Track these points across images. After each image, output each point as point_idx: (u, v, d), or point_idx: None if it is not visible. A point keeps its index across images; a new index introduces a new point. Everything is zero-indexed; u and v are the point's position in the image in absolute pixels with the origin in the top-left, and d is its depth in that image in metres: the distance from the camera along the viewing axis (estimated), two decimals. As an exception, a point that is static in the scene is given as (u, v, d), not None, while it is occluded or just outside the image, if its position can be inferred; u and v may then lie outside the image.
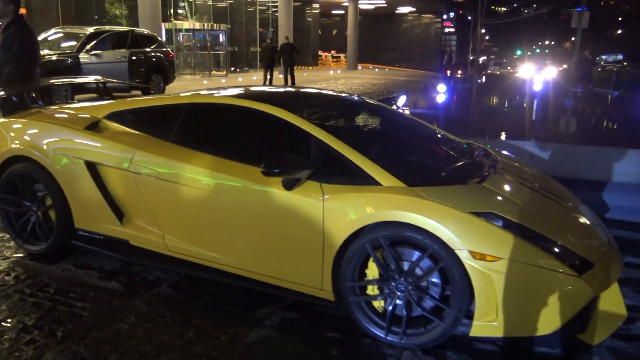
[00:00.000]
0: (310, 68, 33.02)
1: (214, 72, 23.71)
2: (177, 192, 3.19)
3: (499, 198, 2.82)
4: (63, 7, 19.35)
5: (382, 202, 2.64)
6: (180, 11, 25.61)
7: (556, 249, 2.54)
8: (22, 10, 5.03)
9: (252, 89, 4.12)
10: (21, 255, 3.77)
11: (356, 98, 4.08)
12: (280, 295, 3.12)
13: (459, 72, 30.31)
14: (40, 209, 3.68)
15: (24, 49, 4.95)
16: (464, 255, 2.45)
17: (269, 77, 17.00)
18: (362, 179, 2.77)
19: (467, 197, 2.72)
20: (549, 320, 2.45)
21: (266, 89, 4.16)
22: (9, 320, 2.92)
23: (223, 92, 3.75)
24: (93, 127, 3.62)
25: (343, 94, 4.03)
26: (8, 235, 3.94)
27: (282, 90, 4.14)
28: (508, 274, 2.43)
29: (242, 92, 3.82)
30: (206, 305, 3.12)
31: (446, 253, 2.49)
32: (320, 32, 39.53)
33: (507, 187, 3.04)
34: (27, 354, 2.61)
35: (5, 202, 3.77)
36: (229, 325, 2.90)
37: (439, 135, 3.83)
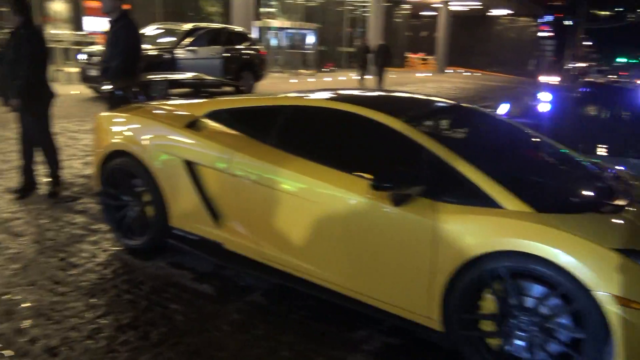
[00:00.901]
0: (398, 70, 32.51)
1: (302, 71, 23.87)
2: (274, 198, 3.05)
3: (644, 232, 2.43)
4: (161, 4, 20.22)
5: (506, 229, 2.35)
6: (271, 9, 26.03)
7: None
8: (127, 6, 5.15)
9: (358, 93, 3.93)
10: (119, 248, 3.80)
11: (469, 106, 3.78)
12: (379, 318, 2.90)
13: (554, 78, 28.55)
14: (138, 205, 3.69)
15: (129, 44, 5.06)
16: (604, 299, 2.12)
17: (360, 78, 16.83)
18: (481, 200, 2.49)
19: (607, 229, 2.37)
20: None
21: (374, 93, 3.95)
22: (106, 317, 2.91)
23: (326, 95, 3.59)
24: (193, 125, 3.58)
25: (455, 102, 3.74)
26: (107, 228, 4.01)
27: (391, 95, 3.92)
28: (660, 326, 2.07)
29: (348, 95, 3.63)
30: (300, 320, 2.96)
31: (582, 294, 2.17)
32: (408, 33, 38.86)
33: (650, 219, 2.64)
34: (122, 356, 2.57)
35: (106, 196, 3.83)
36: (324, 346, 2.72)
37: (564, 153, 3.44)
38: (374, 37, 21.68)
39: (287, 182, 3.00)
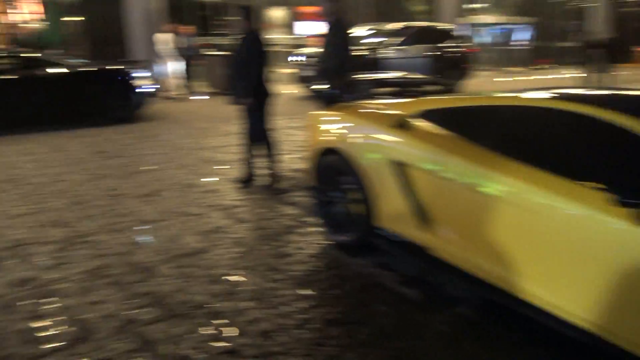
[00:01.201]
0: (626, 66, 28.60)
1: (512, 68, 22.46)
2: (488, 205, 2.80)
3: None
4: (368, 5, 20.80)
5: None
6: (479, 5, 24.98)
7: None
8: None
9: (588, 91, 3.45)
10: (327, 242, 3.92)
11: None
12: (614, 354, 2.47)
13: None
14: (344, 202, 3.75)
15: (344, 45, 5.25)
16: None
17: (584, 75, 15.19)
18: None
19: None
20: None
21: (609, 92, 3.43)
22: (314, 309, 2.99)
23: (549, 94, 3.19)
24: (402, 125, 3.50)
25: None
26: (316, 221, 4.17)
27: (632, 94, 3.36)
28: None
29: (577, 94, 3.19)
30: (516, 343, 2.67)
31: None
32: (639, 24, 33.90)
33: None
34: (329, 350, 2.60)
35: (317, 191, 3.99)
36: (545, 377, 2.42)
37: None
38: (598, 30, 19.38)
39: (503, 188, 2.73)
